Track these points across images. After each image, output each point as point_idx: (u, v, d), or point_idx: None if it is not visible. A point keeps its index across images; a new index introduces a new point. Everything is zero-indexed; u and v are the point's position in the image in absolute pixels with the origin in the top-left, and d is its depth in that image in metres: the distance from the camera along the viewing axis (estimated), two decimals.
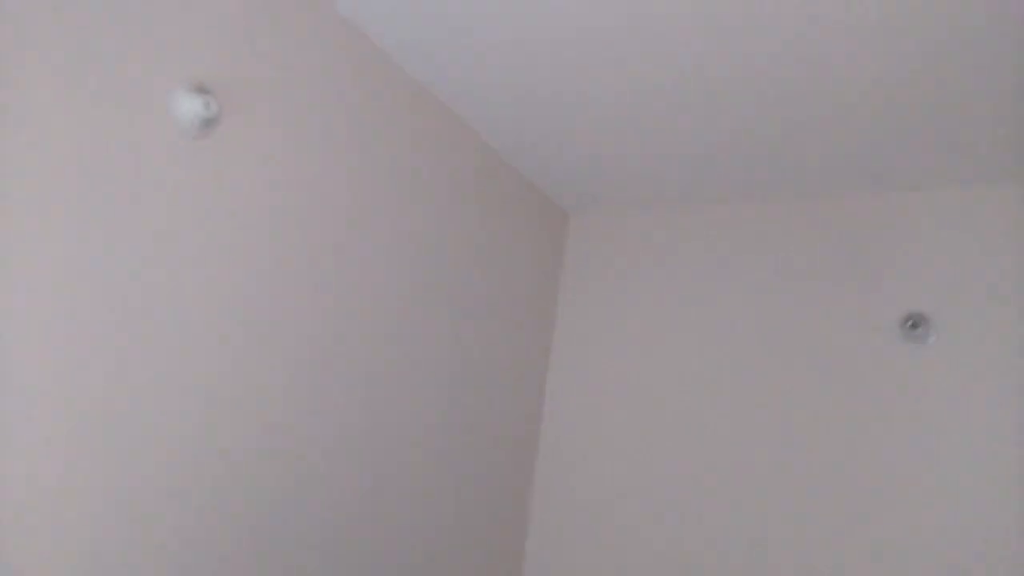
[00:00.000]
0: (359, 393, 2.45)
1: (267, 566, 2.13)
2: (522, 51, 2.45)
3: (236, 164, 2.10)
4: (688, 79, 2.44)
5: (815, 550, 2.55)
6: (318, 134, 2.33)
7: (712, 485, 2.79)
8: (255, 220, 2.15)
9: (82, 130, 1.74)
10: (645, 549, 2.84)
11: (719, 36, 2.22)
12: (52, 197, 1.68)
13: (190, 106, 1.94)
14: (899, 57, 2.18)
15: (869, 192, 2.77)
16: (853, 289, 2.69)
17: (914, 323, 2.50)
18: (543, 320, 3.33)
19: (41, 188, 1.66)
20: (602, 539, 2.95)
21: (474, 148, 2.95)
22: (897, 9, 2.01)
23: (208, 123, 1.97)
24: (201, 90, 1.99)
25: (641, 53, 2.36)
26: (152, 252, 1.88)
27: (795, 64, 2.27)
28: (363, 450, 2.45)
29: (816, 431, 2.63)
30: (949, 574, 2.38)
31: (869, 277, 2.68)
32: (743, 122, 2.59)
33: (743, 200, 3.04)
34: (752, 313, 2.88)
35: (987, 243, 2.54)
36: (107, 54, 1.79)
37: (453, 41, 2.45)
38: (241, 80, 2.11)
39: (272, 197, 2.19)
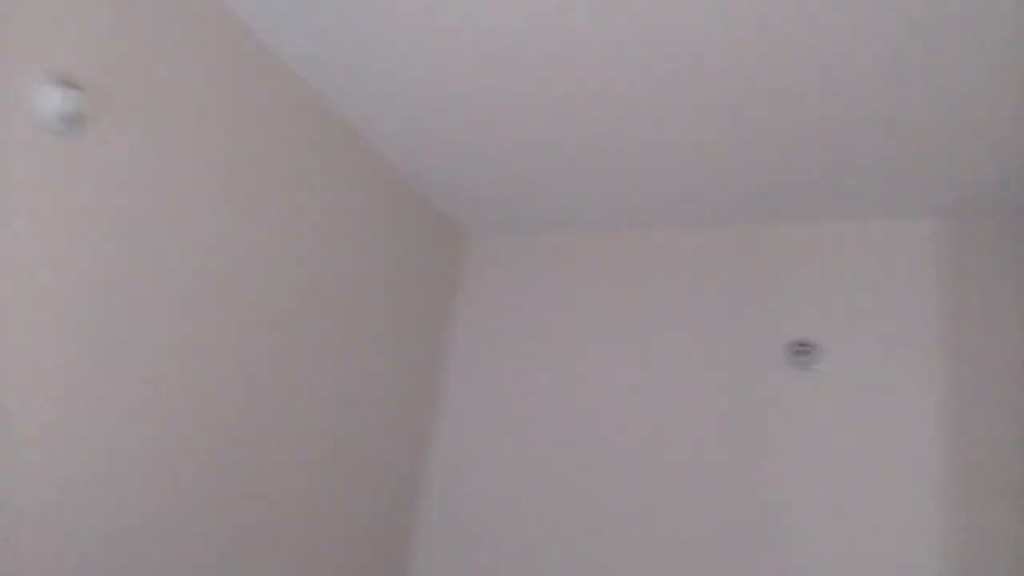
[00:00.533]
0: (230, 410, 2.33)
1: None
2: (423, 66, 2.41)
3: (103, 163, 1.97)
4: (586, 106, 2.45)
5: (704, 569, 2.57)
6: (194, 134, 2.21)
7: (601, 512, 2.77)
8: (121, 222, 2.02)
9: None
10: None
11: (618, 62, 2.23)
12: None
13: (52, 100, 1.81)
14: (790, 94, 2.22)
15: (761, 223, 2.83)
16: (743, 316, 2.75)
17: (802, 350, 2.55)
18: (437, 341, 3.28)
19: None
20: (489, 570, 2.88)
21: (368, 159, 2.87)
22: (788, 48, 2.05)
23: (72, 119, 1.84)
24: (66, 83, 1.86)
25: (540, 77, 2.36)
26: (10, 253, 1.74)
27: (692, 92, 2.29)
28: (234, 472, 2.32)
29: (706, 453, 2.66)
30: None
31: (758, 305, 2.74)
32: (640, 152, 2.63)
33: (642, 227, 3.08)
34: (646, 338, 2.92)
35: (873, 275, 2.62)
36: None
37: (350, 49, 2.37)
38: (114, 74, 1.98)
39: (141, 197, 2.08)
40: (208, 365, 2.25)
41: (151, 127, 2.10)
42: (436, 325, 3.26)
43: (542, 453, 2.96)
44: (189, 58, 2.19)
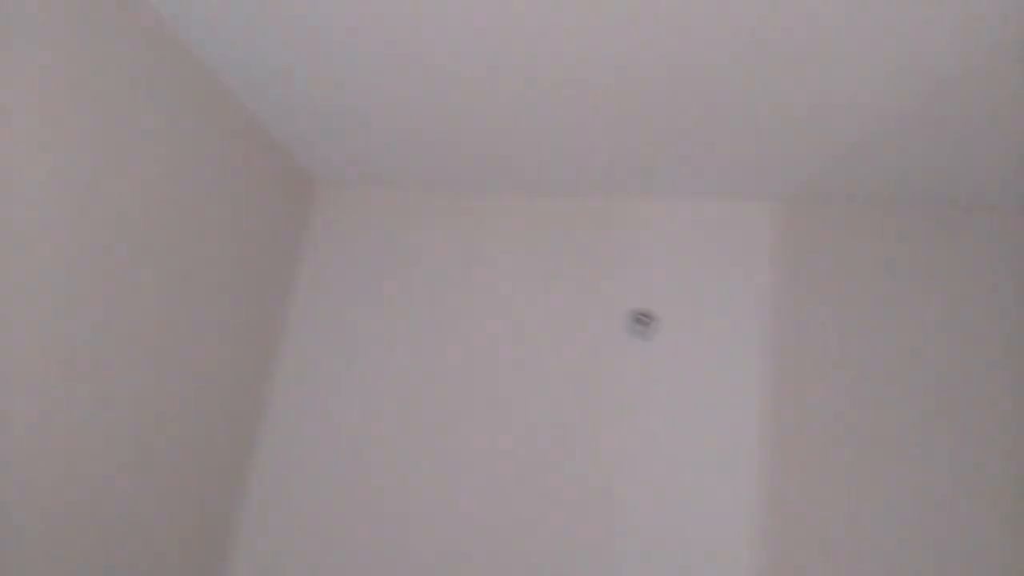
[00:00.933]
0: (40, 365, 2.06)
1: None
2: (282, 12, 2.26)
3: None
4: (443, 67, 2.38)
5: (543, 539, 2.62)
6: (40, 69, 1.99)
7: (450, 475, 2.76)
8: None
9: None
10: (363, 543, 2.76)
11: (474, 24, 2.18)
12: None
13: None
14: (646, 80, 2.27)
15: (610, 195, 2.92)
16: (587, 284, 2.84)
17: (642, 320, 2.67)
18: (280, 290, 3.01)
19: None
20: (320, 537, 2.81)
21: (206, 91, 2.57)
22: (643, 40, 2.12)
23: None
24: None
25: (395, 34, 2.27)
26: None
27: (540, 64, 2.30)
28: (50, 427, 2.10)
29: (547, 415, 2.73)
30: (674, 563, 2.51)
31: (603, 274, 2.83)
32: (492, 118, 2.60)
33: (494, 191, 3.04)
34: (492, 302, 2.92)
35: (713, 252, 2.78)
36: None
37: None
38: None
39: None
40: (32, 300, 2.03)
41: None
42: (279, 273, 3.01)
43: (384, 412, 2.90)
44: None
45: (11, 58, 1.94)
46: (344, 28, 2.28)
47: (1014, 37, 1.89)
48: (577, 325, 2.79)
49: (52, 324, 2.09)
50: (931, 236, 2.63)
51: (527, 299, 2.86)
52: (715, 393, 2.63)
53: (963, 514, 2.39)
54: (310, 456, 2.88)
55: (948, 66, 2.02)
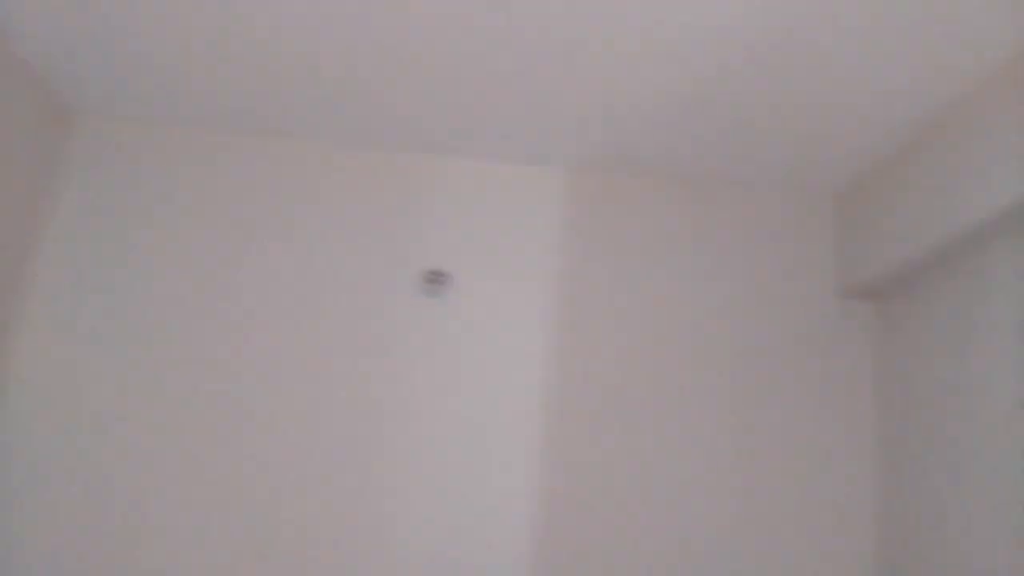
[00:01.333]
0: None
1: None
2: None
3: None
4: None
5: (340, 499, 2.56)
6: None
7: (225, 433, 2.58)
8: None
9: None
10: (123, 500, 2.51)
11: None
12: None
13: None
14: (443, 39, 2.20)
15: (407, 151, 2.84)
16: (382, 241, 2.77)
17: (435, 278, 2.69)
18: (29, 224, 2.61)
19: None
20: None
21: None
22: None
23: None
24: None
25: None
26: None
27: (345, 16, 2.14)
28: None
29: (338, 372, 2.65)
30: (462, 515, 2.55)
31: (398, 231, 2.78)
32: (285, 58, 2.37)
33: (286, 136, 2.81)
34: (281, 254, 2.73)
35: (506, 213, 2.81)
36: None
37: None
38: None
39: None
40: None
41: None
42: (23, 216, 2.59)
43: (154, 364, 2.62)
44: None
45: None
46: None
47: (794, 25, 2.03)
48: (367, 282, 2.72)
49: None
50: (703, 207, 2.84)
51: (313, 253, 2.75)
52: (505, 351, 2.69)
53: (732, 466, 2.62)
54: (46, 443, 2.53)
55: (730, 52, 2.13)
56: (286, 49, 2.32)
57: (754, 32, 2.05)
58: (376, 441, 2.59)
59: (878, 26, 1.98)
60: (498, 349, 2.69)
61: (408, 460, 2.59)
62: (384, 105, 2.57)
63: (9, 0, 2.20)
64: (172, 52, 2.39)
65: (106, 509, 2.47)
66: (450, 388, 2.65)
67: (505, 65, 2.29)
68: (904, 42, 2.03)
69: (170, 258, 2.70)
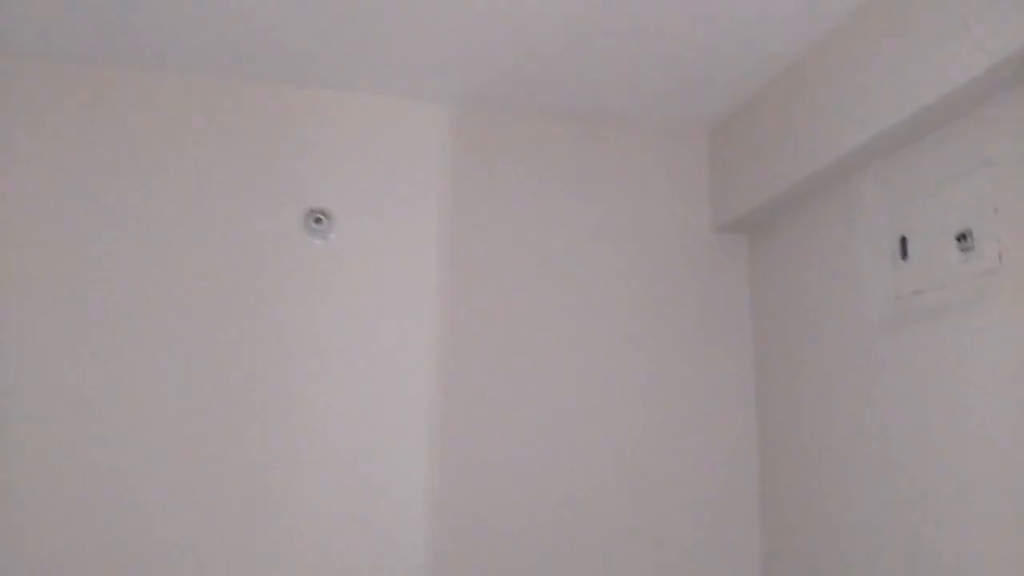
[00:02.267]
0: None
1: None
2: None
3: None
4: None
5: (226, 455, 2.44)
6: None
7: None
8: None
9: None
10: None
11: None
12: None
13: None
14: None
15: (285, 85, 2.67)
16: (261, 180, 2.60)
17: (318, 219, 2.59)
18: None
19: None
20: None
21: None
22: None
23: None
24: None
25: None
26: None
27: None
28: None
29: (219, 320, 2.50)
30: (355, 467, 2.49)
31: (279, 170, 2.62)
32: None
33: (158, 70, 2.58)
34: (158, 198, 2.53)
35: (390, 151, 2.70)
36: None
37: None
38: None
39: None
40: None
41: None
42: None
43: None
44: None
45: None
46: None
47: None
48: (243, 224, 2.56)
49: None
50: (587, 144, 2.82)
51: (183, 194, 2.54)
52: (392, 292, 2.62)
53: (618, 401, 2.67)
54: None
55: None
56: None
57: None
58: (258, 396, 2.48)
59: None
60: (385, 291, 2.62)
61: (293, 414, 2.49)
62: (259, 35, 2.41)
63: None
64: None
65: None
66: (336, 332, 2.56)
67: None
68: None
69: (22, 201, 2.44)
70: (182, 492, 2.38)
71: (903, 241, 2.11)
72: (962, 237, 1.92)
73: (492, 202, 2.75)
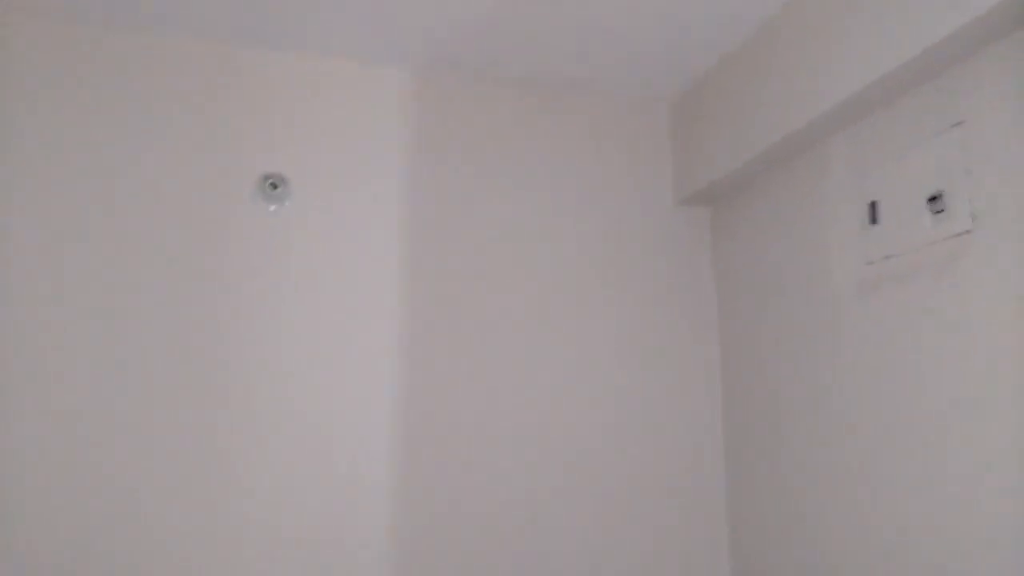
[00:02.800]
0: None
1: None
2: None
3: None
4: None
5: (180, 431, 2.34)
6: None
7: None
8: None
9: None
10: None
11: None
12: None
13: None
14: None
15: (240, 46, 2.58)
16: (214, 145, 2.50)
17: (273, 184, 2.49)
18: None
19: None
20: None
21: None
22: None
23: None
24: None
25: None
26: None
27: None
28: None
29: (171, 293, 2.40)
30: (316, 442, 2.42)
31: (231, 134, 2.52)
32: None
33: (108, 29, 2.47)
34: (107, 164, 2.41)
35: (346, 115, 2.63)
36: None
37: None
38: None
39: None
40: None
41: None
42: None
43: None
44: None
45: None
46: None
47: None
48: (198, 191, 2.45)
49: None
50: (550, 114, 2.77)
51: (134, 161, 2.42)
52: (352, 262, 2.54)
53: (581, 374, 2.63)
54: None
55: None
56: None
57: None
58: (212, 365, 2.37)
59: None
60: (344, 259, 2.53)
61: (253, 386, 2.39)
62: None
63: None
64: None
65: None
66: (294, 301, 2.47)
67: None
68: None
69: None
70: (139, 461, 2.27)
71: (873, 206, 2.09)
72: (933, 199, 1.90)
73: (453, 168, 2.67)
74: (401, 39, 2.52)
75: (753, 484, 2.56)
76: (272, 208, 2.49)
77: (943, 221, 1.88)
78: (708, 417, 2.73)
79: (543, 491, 2.55)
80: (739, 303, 2.68)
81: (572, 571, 2.53)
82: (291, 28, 2.47)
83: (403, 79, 2.68)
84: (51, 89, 2.37)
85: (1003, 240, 1.75)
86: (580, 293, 2.70)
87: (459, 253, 2.63)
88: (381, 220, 2.58)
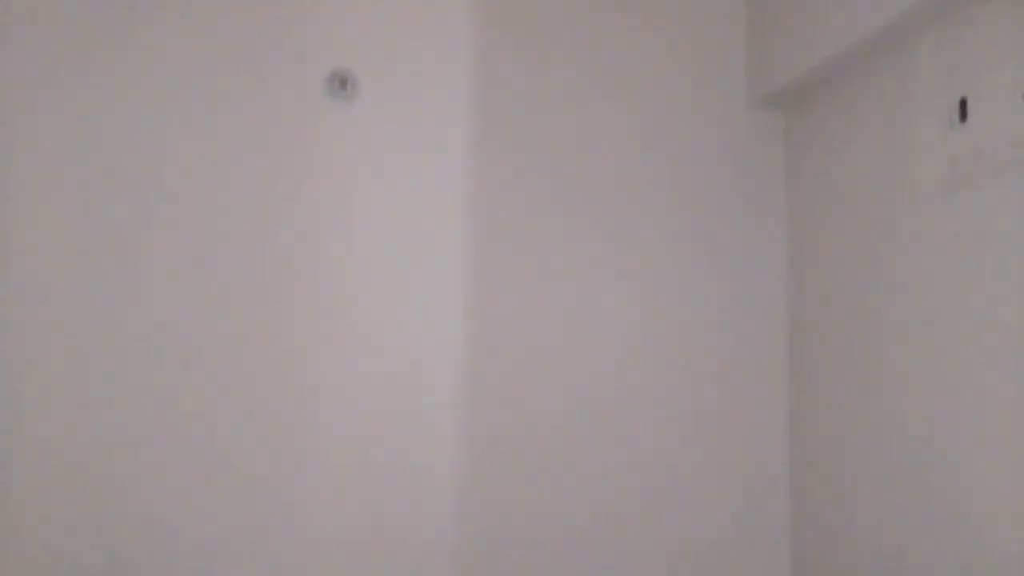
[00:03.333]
0: None
1: None
2: None
3: None
4: None
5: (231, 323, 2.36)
6: None
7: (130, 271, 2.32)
8: None
9: None
10: None
11: None
12: None
13: None
14: None
15: None
16: (278, 43, 2.43)
17: (340, 82, 2.41)
18: None
19: None
20: None
21: None
22: None
23: None
24: None
25: None
26: None
27: None
28: None
29: (235, 194, 2.38)
30: (390, 354, 2.42)
31: (296, 31, 2.45)
32: None
33: None
34: (168, 71, 2.38)
35: (415, 6, 2.54)
36: None
37: None
38: None
39: None
40: None
41: None
42: None
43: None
44: None
45: None
46: None
47: None
48: (261, 89, 2.41)
49: None
50: (620, 11, 2.66)
51: (209, 65, 2.39)
52: (420, 162, 2.50)
53: (645, 289, 2.60)
54: None
55: None
56: None
57: None
58: (276, 273, 2.38)
59: None
60: (412, 160, 2.49)
61: (313, 291, 2.40)
62: None
63: None
64: None
65: None
66: (363, 206, 2.45)
67: None
68: None
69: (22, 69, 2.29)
70: (195, 380, 2.33)
71: (963, 103, 2.00)
72: None
73: (522, 65, 2.60)
74: None
75: (820, 410, 2.53)
76: (340, 105, 2.44)
77: None
78: (773, 331, 2.69)
79: (605, 403, 2.56)
80: (812, 210, 2.61)
81: (633, 494, 2.55)
82: None
83: None
84: None
85: None
86: (644, 203, 2.64)
87: (526, 146, 2.58)
88: (449, 120, 2.53)
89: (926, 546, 2.05)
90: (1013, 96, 1.86)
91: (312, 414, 2.36)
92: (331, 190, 2.44)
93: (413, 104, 2.51)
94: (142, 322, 2.29)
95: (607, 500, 2.52)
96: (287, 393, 2.35)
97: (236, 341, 2.34)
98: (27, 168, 2.26)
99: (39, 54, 2.28)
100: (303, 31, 2.46)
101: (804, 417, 2.59)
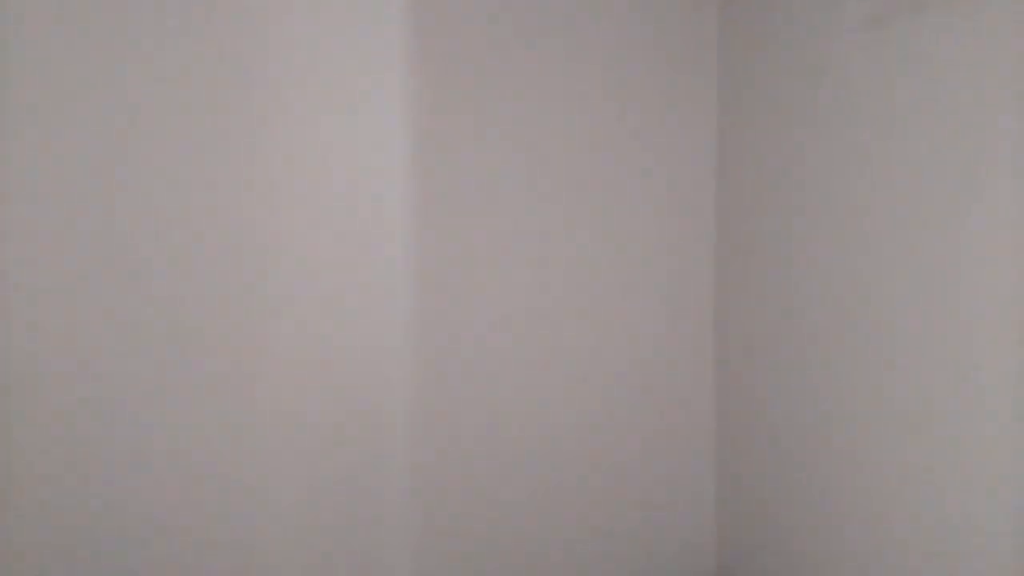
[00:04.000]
0: None
1: None
2: None
3: None
4: None
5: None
6: None
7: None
8: None
9: None
10: None
11: None
12: None
13: None
14: None
15: None
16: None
17: None
18: None
19: None
20: None
21: None
22: None
23: None
24: None
25: None
26: None
27: None
28: None
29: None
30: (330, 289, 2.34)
31: None
32: None
33: None
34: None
35: None
36: None
37: None
38: None
39: None
40: None
41: None
42: None
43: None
44: None
45: None
46: None
47: None
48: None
49: None
50: None
51: None
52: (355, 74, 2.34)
53: (587, 182, 2.62)
54: None
55: None
56: None
57: None
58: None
59: None
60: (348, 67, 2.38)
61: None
62: None
63: None
64: None
65: None
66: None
67: None
68: None
69: None
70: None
71: None
72: None
73: None
74: None
75: (745, 292, 2.60)
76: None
77: None
78: (702, 207, 2.77)
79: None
80: (745, 66, 2.65)
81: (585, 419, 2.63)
82: None
83: None
84: None
85: None
86: (581, 83, 2.66)
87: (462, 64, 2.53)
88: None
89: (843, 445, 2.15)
90: None
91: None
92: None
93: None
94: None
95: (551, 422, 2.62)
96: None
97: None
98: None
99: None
100: None
101: (728, 277, 2.67)
